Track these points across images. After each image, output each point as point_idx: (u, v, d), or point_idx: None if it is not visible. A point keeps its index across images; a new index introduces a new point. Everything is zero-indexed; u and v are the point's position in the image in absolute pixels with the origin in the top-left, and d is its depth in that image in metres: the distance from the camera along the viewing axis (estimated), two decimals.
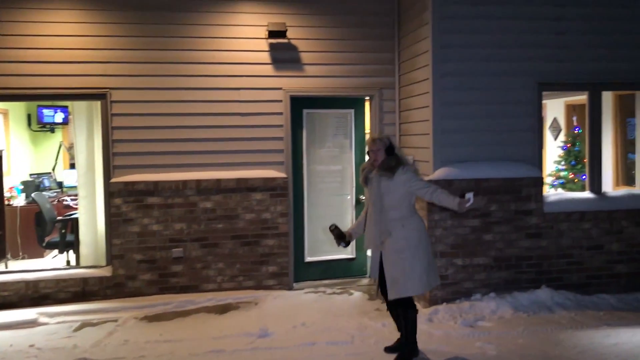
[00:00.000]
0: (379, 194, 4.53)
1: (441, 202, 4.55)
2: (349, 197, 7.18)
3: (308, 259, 7.05)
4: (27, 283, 6.23)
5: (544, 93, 6.23)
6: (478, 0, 5.95)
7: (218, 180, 6.43)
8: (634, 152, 7.47)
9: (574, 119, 9.41)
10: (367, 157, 4.86)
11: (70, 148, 9.81)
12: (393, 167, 4.50)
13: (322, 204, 7.11)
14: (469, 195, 4.39)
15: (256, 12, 6.63)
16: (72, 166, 9.56)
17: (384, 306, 5.15)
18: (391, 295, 4.52)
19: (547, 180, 9.44)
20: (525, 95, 6.08)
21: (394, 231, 4.51)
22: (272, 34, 6.57)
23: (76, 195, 7.63)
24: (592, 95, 6.33)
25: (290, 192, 6.71)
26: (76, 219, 7.03)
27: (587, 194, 6.32)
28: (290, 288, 6.69)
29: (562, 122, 10.04)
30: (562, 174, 9.13)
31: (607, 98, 7.78)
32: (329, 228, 4.83)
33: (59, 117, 9.63)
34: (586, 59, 6.18)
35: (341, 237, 4.78)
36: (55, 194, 9.09)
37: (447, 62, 5.91)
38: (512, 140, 6.06)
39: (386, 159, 4.56)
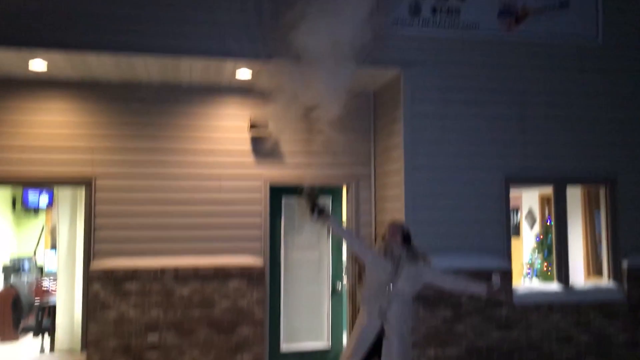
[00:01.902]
0: (396, 277, 4.60)
1: (467, 288, 4.67)
2: (325, 285, 7.28)
3: (284, 348, 7.05)
4: None
5: (514, 186, 6.53)
6: (446, 100, 6.33)
7: (196, 268, 6.54)
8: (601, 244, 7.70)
9: (547, 210, 9.70)
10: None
11: (53, 230, 9.91)
12: (417, 257, 4.67)
13: (299, 292, 7.19)
14: (496, 280, 4.52)
15: (239, 105, 6.96)
16: (54, 246, 9.62)
17: None
18: None
19: (524, 270, 9.62)
20: (494, 189, 6.36)
21: (402, 315, 4.62)
22: (254, 127, 6.87)
23: (55, 279, 7.67)
24: (557, 189, 6.64)
25: (267, 280, 6.81)
26: (53, 305, 7.05)
27: (555, 286, 6.49)
28: None
29: (536, 213, 10.33)
30: (537, 264, 9.32)
31: (577, 191, 8.10)
32: (306, 191, 4.73)
33: (43, 199, 9.80)
34: (550, 156, 6.52)
35: (315, 204, 4.73)
36: (34, 277, 9.10)
37: (418, 157, 6.21)
38: (482, 232, 6.27)
39: (412, 247, 4.73)
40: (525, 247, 10.23)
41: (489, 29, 6.48)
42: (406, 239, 4.76)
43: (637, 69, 6.81)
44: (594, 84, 6.70)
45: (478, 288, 4.66)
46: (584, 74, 6.69)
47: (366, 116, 7.29)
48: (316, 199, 4.79)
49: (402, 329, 4.61)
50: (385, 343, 4.59)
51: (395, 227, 4.84)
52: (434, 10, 6.37)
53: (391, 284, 4.60)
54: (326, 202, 4.80)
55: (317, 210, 4.75)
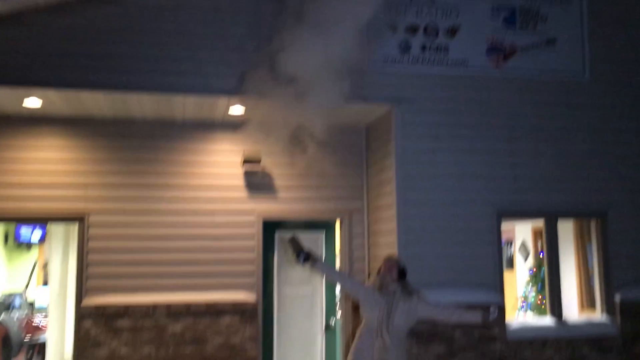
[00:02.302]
0: (391, 313, 4.60)
1: (463, 319, 4.70)
2: (319, 321, 7.24)
3: None
4: None
5: (505, 220, 6.57)
6: (437, 136, 6.40)
7: (188, 304, 6.50)
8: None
9: (539, 243, 9.72)
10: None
11: (45, 266, 9.86)
12: (412, 292, 4.67)
13: (292, 328, 7.15)
14: (493, 309, 4.57)
15: (233, 141, 7.02)
16: (46, 283, 9.56)
17: None
18: None
19: (518, 303, 9.60)
20: (485, 223, 6.40)
21: (398, 350, 4.61)
22: (247, 162, 6.92)
23: (46, 315, 7.61)
24: (548, 222, 6.68)
25: (260, 316, 6.78)
26: (44, 342, 6.98)
27: (548, 321, 6.48)
28: None
29: (530, 245, 10.36)
30: (530, 297, 9.31)
31: (569, 224, 8.14)
32: (288, 239, 4.77)
33: (36, 235, 9.78)
34: (541, 190, 6.58)
35: (300, 250, 4.75)
36: (25, 314, 9.02)
37: (410, 191, 6.26)
38: (474, 266, 6.29)
39: (407, 283, 4.74)
40: (519, 280, 10.22)
41: (477, 65, 6.60)
42: (402, 274, 4.77)
43: (623, 104, 6.92)
44: (582, 119, 6.79)
45: (472, 316, 4.68)
46: (572, 110, 6.79)
47: (359, 151, 7.35)
48: (300, 245, 4.81)
49: None
50: None
51: (391, 262, 4.86)
52: (423, 48, 6.49)
53: (387, 320, 4.60)
54: (311, 247, 4.83)
55: (302, 256, 4.75)
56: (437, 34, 6.53)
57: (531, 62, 6.74)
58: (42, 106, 6.22)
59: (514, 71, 6.68)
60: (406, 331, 4.71)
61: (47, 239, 8.94)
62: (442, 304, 4.96)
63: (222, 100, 6.18)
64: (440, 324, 5.36)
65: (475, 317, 4.67)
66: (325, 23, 5.52)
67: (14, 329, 7.35)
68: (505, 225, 6.60)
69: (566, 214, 6.83)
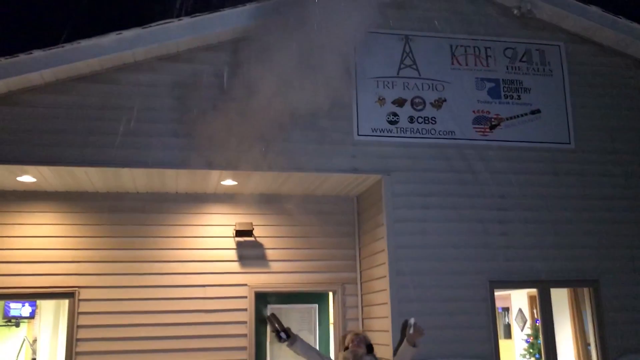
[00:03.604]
0: None
1: None
2: None
3: None
4: None
5: (498, 289, 6.54)
6: (427, 205, 6.46)
7: None
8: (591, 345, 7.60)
9: (535, 311, 9.63)
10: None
11: (34, 343, 9.64)
12: None
13: None
14: (411, 321, 4.63)
15: (225, 213, 7.06)
16: (35, 359, 9.32)
17: None
18: None
19: None
20: (478, 292, 6.36)
21: None
22: (239, 233, 6.94)
23: None
24: (541, 291, 6.64)
25: None
26: None
27: None
28: None
29: (526, 313, 10.25)
30: None
31: (564, 290, 8.09)
32: (267, 316, 4.80)
33: (25, 310, 9.58)
34: (532, 259, 6.57)
35: (280, 327, 4.82)
36: None
37: (402, 261, 6.25)
38: (468, 337, 6.20)
39: (374, 356, 4.91)
40: (517, 349, 10.05)
41: (465, 135, 6.73)
42: (369, 348, 4.87)
43: (609, 171, 7.01)
44: (570, 186, 6.87)
45: (406, 348, 4.74)
46: (560, 177, 6.87)
47: (351, 220, 7.39)
48: (279, 323, 4.92)
49: None
50: None
51: (359, 337, 5.11)
52: (411, 119, 6.64)
53: None
54: (289, 326, 4.97)
55: (282, 335, 4.88)
56: (424, 106, 6.70)
57: (517, 132, 6.88)
58: (36, 182, 6.27)
59: (500, 140, 6.80)
60: None
61: (36, 314, 8.79)
62: None
63: (214, 174, 6.25)
64: None
65: (407, 348, 4.77)
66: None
67: None
68: (501, 292, 6.57)
69: (558, 283, 6.79)
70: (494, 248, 6.51)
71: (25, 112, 5.72)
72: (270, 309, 4.94)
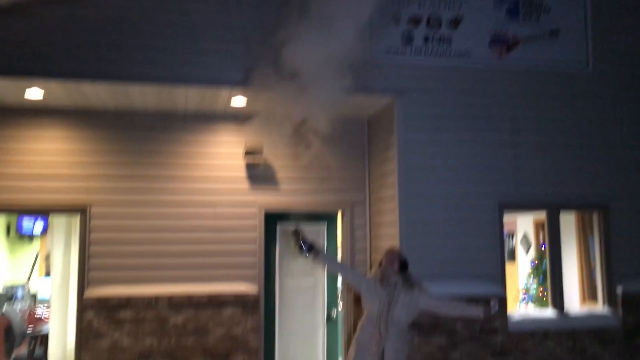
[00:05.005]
0: (392, 305, 4.60)
1: (462, 313, 4.69)
2: (320, 312, 7.25)
3: None
4: None
5: (508, 212, 6.56)
6: (439, 127, 6.38)
7: (190, 296, 6.51)
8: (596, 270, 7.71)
9: (541, 235, 9.71)
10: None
11: (47, 258, 9.87)
12: (414, 284, 4.67)
13: (294, 319, 7.16)
14: (494, 305, 4.57)
15: (234, 132, 7.01)
16: (48, 274, 9.58)
17: None
18: None
19: (519, 295, 9.59)
20: (487, 215, 6.39)
21: (398, 343, 4.60)
22: (248, 153, 6.91)
23: (49, 307, 7.63)
24: (550, 214, 6.67)
25: (262, 308, 6.79)
26: (46, 334, 6.99)
27: (550, 313, 6.48)
28: None
29: (531, 237, 10.34)
30: (532, 290, 9.30)
31: (571, 216, 8.12)
32: (291, 231, 4.76)
33: (38, 227, 9.78)
34: (543, 182, 6.56)
35: (304, 241, 4.75)
36: (28, 305, 9.04)
37: (412, 183, 6.25)
38: (476, 258, 6.28)
39: (408, 275, 4.74)
40: (520, 272, 10.21)
41: (480, 57, 6.57)
42: (403, 266, 4.77)
43: (626, 96, 6.89)
44: (585, 110, 6.77)
45: (474, 311, 4.68)
46: (575, 101, 6.76)
47: (361, 143, 7.34)
48: (303, 237, 4.81)
49: (398, 356, 4.60)
50: None
51: (392, 254, 4.87)
52: (426, 39, 6.46)
53: (387, 312, 4.59)
54: (315, 238, 4.85)
55: (306, 248, 4.77)
56: (440, 25, 6.50)
57: (534, 54, 6.71)
58: (43, 97, 6.21)
59: (517, 62, 6.65)
60: (407, 323, 4.71)
61: (49, 231, 8.93)
62: (444, 297, 4.95)
63: (224, 92, 6.16)
64: (442, 317, 5.33)
65: (476, 313, 4.68)
66: (328, 15, 5.50)
67: (16, 320, 7.37)
68: (507, 218, 6.59)
69: (568, 206, 6.81)
70: (505, 171, 6.48)
71: (33, 24, 5.59)
72: (293, 225, 4.81)
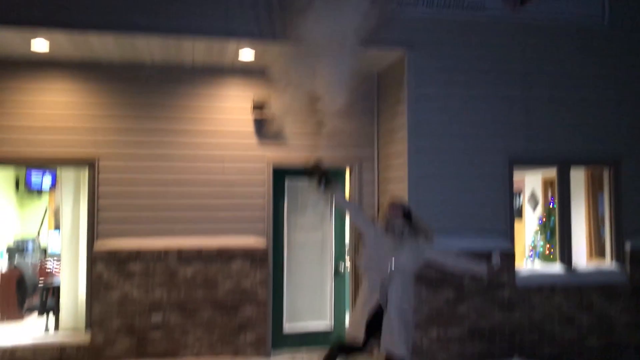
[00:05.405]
0: (398, 253, 4.61)
1: (466, 269, 4.69)
2: (328, 266, 7.30)
3: (287, 328, 7.09)
4: (4, 351, 6.22)
5: (518, 168, 6.52)
6: (450, 82, 6.30)
7: (199, 249, 6.56)
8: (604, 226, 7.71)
9: (549, 193, 9.69)
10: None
11: (57, 212, 9.94)
12: (418, 233, 4.68)
13: (302, 273, 7.22)
14: (496, 259, 4.54)
15: (242, 86, 6.94)
16: (58, 227, 9.66)
17: None
18: (398, 350, 4.54)
19: (526, 252, 9.62)
20: (497, 170, 6.35)
21: (403, 290, 4.62)
22: (256, 107, 6.85)
23: (59, 260, 7.71)
24: (561, 171, 6.62)
25: (270, 261, 6.83)
26: (57, 285, 7.08)
27: (558, 269, 6.50)
28: (268, 356, 6.71)
29: (539, 195, 10.32)
30: (539, 247, 9.33)
31: (580, 173, 8.08)
32: (313, 162, 4.69)
33: (46, 181, 9.81)
34: (554, 138, 6.50)
35: (323, 174, 4.68)
36: (38, 258, 9.14)
37: (421, 138, 6.20)
38: (484, 214, 6.27)
39: (414, 224, 4.72)
40: (527, 230, 10.23)
41: (493, 9, 6.42)
42: (407, 216, 4.75)
43: None
44: (599, 65, 6.65)
45: (478, 268, 4.68)
46: (589, 56, 6.64)
47: (370, 98, 7.26)
48: (324, 169, 4.72)
49: (402, 304, 4.61)
50: (385, 317, 4.60)
51: (396, 205, 4.84)
52: None
53: (393, 260, 4.60)
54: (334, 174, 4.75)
55: (324, 181, 4.69)
56: None
57: (549, 7, 6.55)
58: (50, 50, 6.13)
59: (531, 16, 6.50)
60: (413, 272, 4.70)
61: (57, 185, 8.96)
62: (450, 250, 4.94)
63: (232, 44, 6.07)
64: (447, 270, 5.31)
65: (480, 269, 4.68)
66: None
67: (28, 272, 7.46)
68: (516, 176, 6.55)
69: (579, 162, 6.76)
70: (516, 126, 6.42)
71: None
72: (314, 159, 4.71)
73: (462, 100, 6.32)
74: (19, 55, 6.33)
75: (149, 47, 6.16)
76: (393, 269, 4.61)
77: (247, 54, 6.39)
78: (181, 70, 6.80)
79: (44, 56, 6.36)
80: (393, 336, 4.54)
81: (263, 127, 6.91)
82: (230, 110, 6.91)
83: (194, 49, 6.23)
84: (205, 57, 6.54)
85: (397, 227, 4.69)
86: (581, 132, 6.57)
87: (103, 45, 6.03)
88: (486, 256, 6.01)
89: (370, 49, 6.11)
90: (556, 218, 6.77)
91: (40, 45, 5.97)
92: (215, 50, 6.26)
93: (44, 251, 9.66)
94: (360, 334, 4.67)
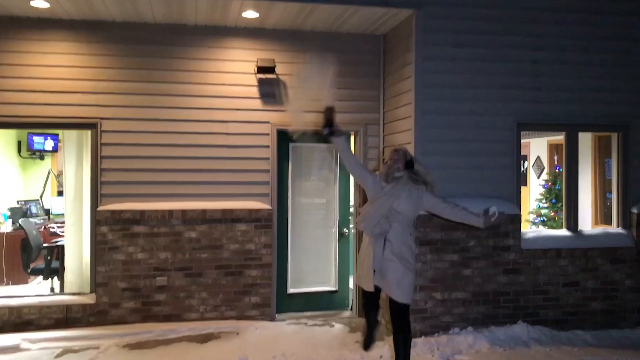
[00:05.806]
0: (396, 198, 4.56)
1: (463, 219, 4.65)
2: (332, 229, 7.29)
3: (291, 290, 7.12)
4: (10, 309, 6.25)
5: (524, 132, 6.44)
6: (459, 43, 6.18)
7: (204, 211, 6.54)
8: (611, 192, 7.67)
9: (555, 158, 9.63)
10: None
11: (59, 176, 9.91)
12: (418, 181, 4.63)
13: (306, 236, 7.21)
14: (494, 209, 4.50)
15: (246, 48, 6.83)
16: (60, 193, 9.64)
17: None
18: (401, 299, 4.54)
19: (529, 217, 9.60)
20: (505, 134, 6.28)
21: (403, 235, 4.60)
22: (260, 70, 6.74)
23: (63, 222, 7.70)
24: (568, 135, 6.55)
25: (275, 224, 6.82)
26: (62, 246, 7.09)
27: (563, 232, 6.49)
28: (272, 319, 6.75)
29: (545, 161, 10.27)
30: (543, 211, 9.31)
31: (587, 139, 8.01)
32: (325, 107, 4.63)
33: (48, 144, 9.76)
34: (563, 101, 6.41)
35: (331, 119, 4.62)
36: (42, 220, 9.14)
37: (428, 101, 6.11)
38: (491, 178, 6.23)
39: (413, 171, 4.66)
40: (532, 195, 10.21)
41: None
42: (409, 164, 4.70)
43: None
44: (610, 27, 6.52)
45: (475, 219, 4.63)
46: (601, 17, 6.51)
47: (376, 61, 7.15)
48: (333, 115, 4.64)
49: (402, 250, 4.58)
50: (385, 265, 4.58)
51: (398, 153, 4.77)
52: None
53: (392, 204, 4.57)
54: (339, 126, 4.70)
55: (330, 127, 4.61)
56: None
57: None
58: (50, 7, 6.01)
59: None
60: (411, 219, 4.65)
61: (59, 148, 8.90)
62: (449, 200, 4.87)
63: (235, 3, 5.94)
64: (445, 219, 5.19)
65: (477, 222, 4.63)
66: None
67: (32, 233, 7.45)
68: (521, 140, 6.46)
69: (587, 127, 6.68)
70: (524, 89, 6.32)
71: None
72: (330, 103, 4.64)
73: (470, 62, 6.21)
74: (18, 11, 6.21)
75: (150, 6, 6.03)
76: (392, 213, 4.57)
77: (250, 13, 6.26)
78: (184, 30, 6.69)
79: (45, 13, 6.24)
80: (394, 283, 4.54)
81: (267, 89, 6.83)
82: (234, 72, 6.80)
83: (197, 8, 6.11)
84: (208, 17, 6.41)
85: (398, 173, 4.65)
86: (590, 96, 6.47)
87: (104, 3, 5.90)
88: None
89: (377, 7, 6.00)
90: (562, 183, 6.73)
91: (39, 1, 5.84)
92: (218, 9, 6.13)
93: (48, 213, 9.66)
94: (370, 288, 4.68)
